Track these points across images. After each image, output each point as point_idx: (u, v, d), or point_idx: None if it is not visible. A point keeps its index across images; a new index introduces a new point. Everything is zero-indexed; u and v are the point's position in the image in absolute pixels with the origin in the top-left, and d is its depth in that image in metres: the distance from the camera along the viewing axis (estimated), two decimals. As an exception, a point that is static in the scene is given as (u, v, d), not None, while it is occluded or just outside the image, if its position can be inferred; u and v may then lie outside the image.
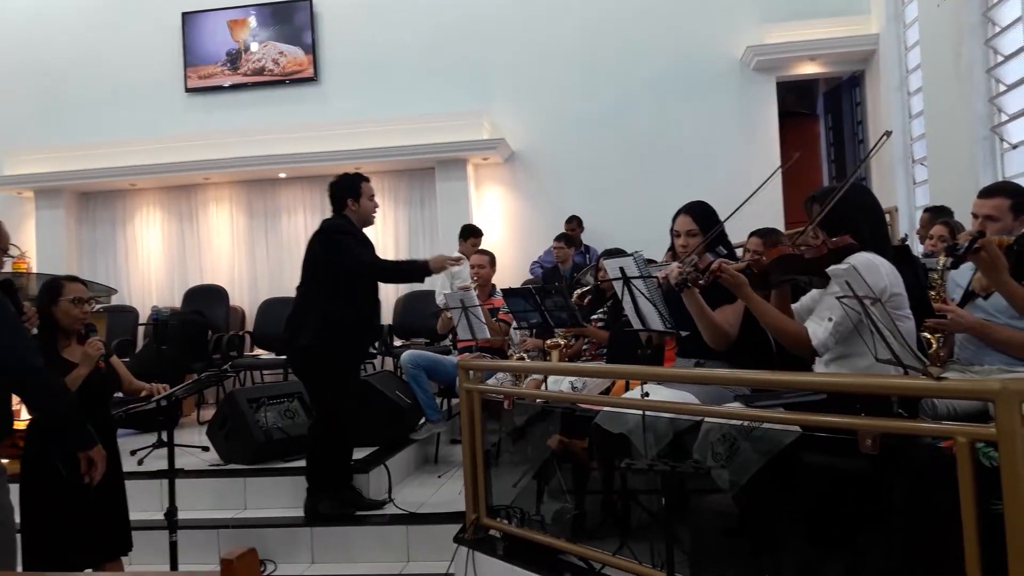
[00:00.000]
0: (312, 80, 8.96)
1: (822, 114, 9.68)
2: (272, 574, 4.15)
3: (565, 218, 7.96)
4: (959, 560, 1.75)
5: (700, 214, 3.27)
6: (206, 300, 8.15)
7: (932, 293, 2.77)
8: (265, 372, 7.53)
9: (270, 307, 7.88)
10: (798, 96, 9.65)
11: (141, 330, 8.01)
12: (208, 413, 5.99)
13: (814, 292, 2.81)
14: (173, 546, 3.42)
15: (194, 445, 5.26)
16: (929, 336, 2.74)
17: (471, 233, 7.04)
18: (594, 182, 8.32)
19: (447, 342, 6.12)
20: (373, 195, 4.40)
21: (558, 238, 7.49)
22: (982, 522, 1.74)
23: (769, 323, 2.73)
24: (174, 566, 3.43)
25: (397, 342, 7.71)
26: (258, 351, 7.91)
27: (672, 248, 3.47)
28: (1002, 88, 5.61)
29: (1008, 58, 5.48)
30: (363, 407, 4.68)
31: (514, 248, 8.47)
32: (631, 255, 3.12)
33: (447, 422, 5.51)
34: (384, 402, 5.15)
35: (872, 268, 2.53)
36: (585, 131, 8.41)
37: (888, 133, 2.96)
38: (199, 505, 4.52)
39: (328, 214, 4.42)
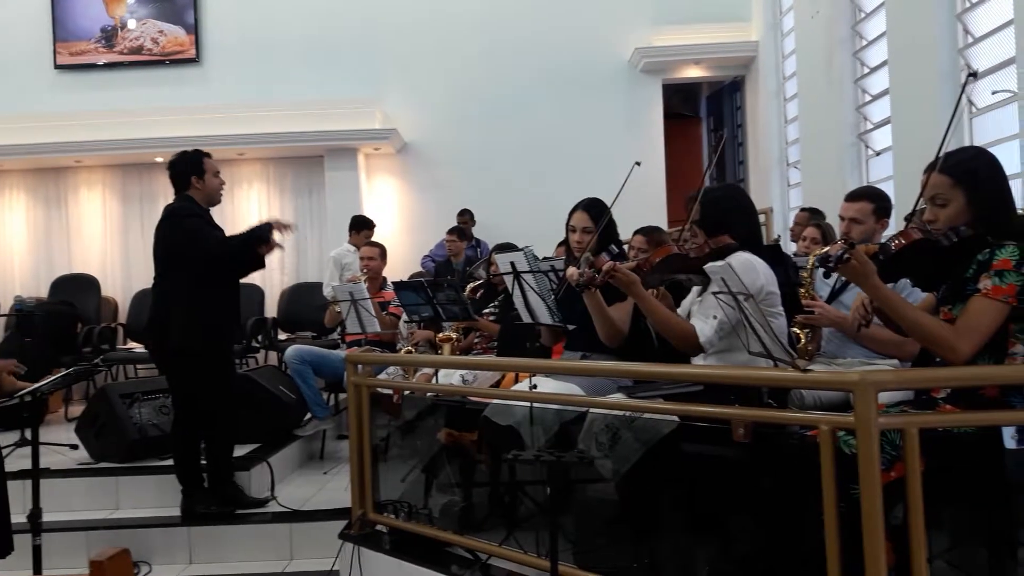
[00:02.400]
0: (194, 61, 8.59)
1: (705, 117, 10.06)
2: (147, 576, 3.98)
3: (457, 211, 7.96)
4: (820, 541, 1.87)
5: (596, 212, 3.35)
6: (76, 290, 7.71)
7: (801, 290, 2.94)
8: (140, 366, 7.19)
9: (145, 298, 7.50)
10: (682, 98, 9.99)
11: (2, 321, 7.49)
12: (77, 410, 5.67)
13: (695, 290, 2.93)
14: (37, 550, 3.22)
15: (62, 443, 4.98)
16: (798, 331, 2.90)
17: (363, 225, 6.93)
18: (487, 176, 8.35)
19: (335, 336, 6.00)
20: (218, 171, 4.15)
21: (451, 231, 7.49)
22: (842, 505, 1.86)
23: (659, 321, 2.82)
24: (38, 571, 3.24)
25: (282, 336, 7.52)
26: (132, 344, 7.54)
27: (566, 243, 3.54)
28: (868, 98, 5.99)
29: (874, 70, 5.85)
30: (244, 403, 4.53)
31: (406, 241, 8.41)
32: (522, 250, 3.17)
33: (334, 418, 5.42)
34: (267, 397, 5.01)
35: (750, 267, 2.66)
36: (478, 124, 8.43)
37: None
38: (67, 506, 4.28)
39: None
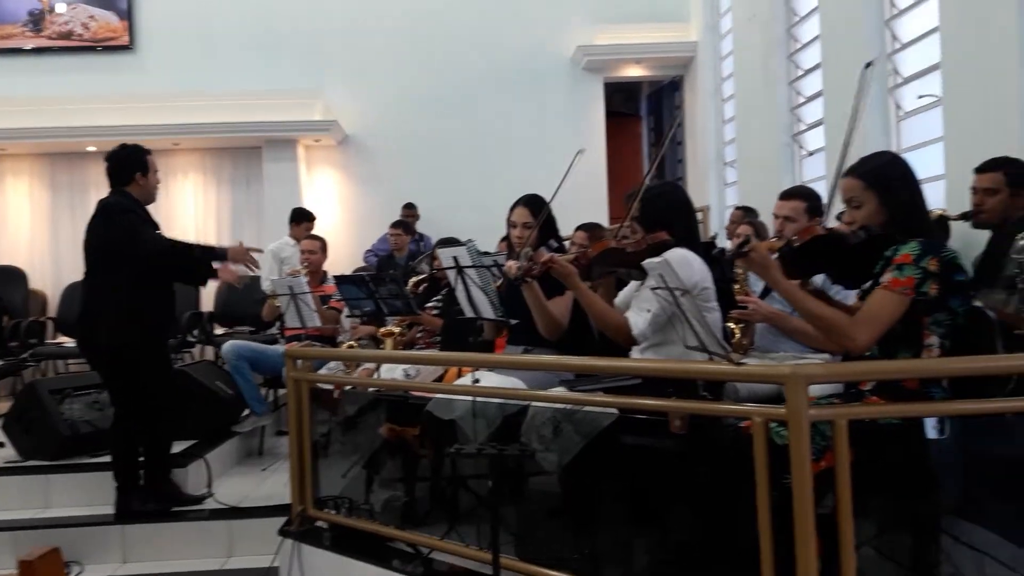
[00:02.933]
0: (127, 48, 8.35)
1: (645, 115, 10.20)
2: (78, 577, 3.87)
3: (400, 205, 7.92)
4: (754, 529, 1.93)
5: (536, 207, 3.38)
6: (2, 283, 7.42)
7: (736, 286, 3.02)
8: (70, 361, 6.96)
9: (76, 291, 7.27)
10: (623, 97, 10.11)
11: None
12: (4, 406, 5.47)
13: (633, 284, 2.99)
14: (-41, 552, 3.11)
15: (-14, 441, 4.80)
16: (733, 326, 2.98)
17: (303, 217, 6.83)
18: (429, 170, 8.32)
19: (273, 331, 5.91)
20: (157, 169, 4.04)
21: (395, 225, 7.43)
22: (774, 494, 1.93)
23: (595, 313, 2.88)
24: (-39, 574, 3.13)
25: (218, 330, 7.37)
26: (62, 338, 7.30)
27: (507, 238, 3.57)
28: (802, 99, 6.16)
29: (807, 72, 6.03)
30: (180, 398, 4.44)
31: (347, 234, 8.32)
32: (465, 244, 3.19)
33: (272, 414, 5.35)
34: (204, 393, 4.91)
35: (686, 263, 2.72)
36: (422, 118, 8.39)
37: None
38: (-7, 506, 4.14)
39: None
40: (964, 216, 3.30)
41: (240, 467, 5.03)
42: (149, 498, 4.05)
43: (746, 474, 1.96)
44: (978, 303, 2.55)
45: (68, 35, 8.30)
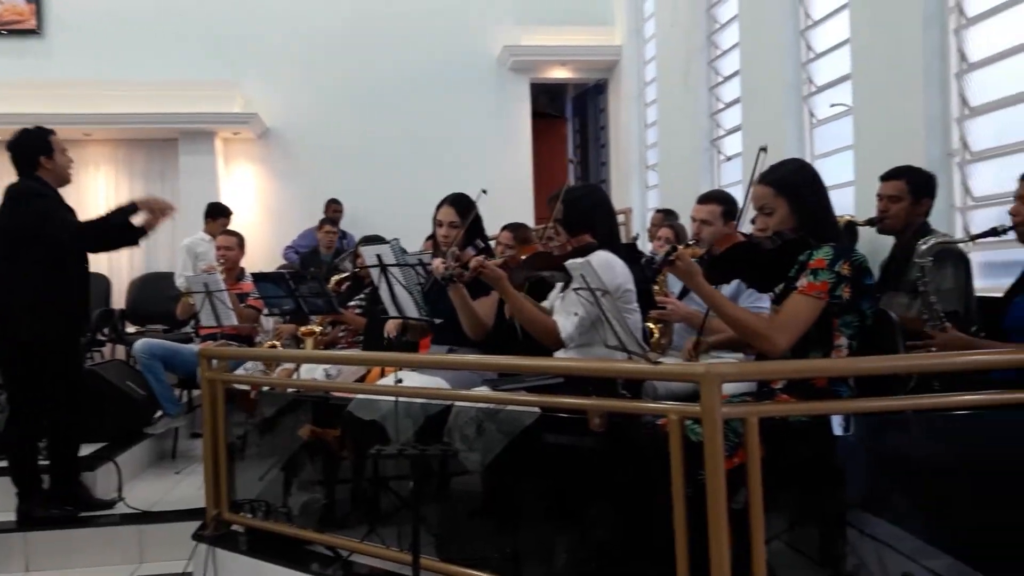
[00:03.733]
0: (34, 33, 7.99)
1: (570, 117, 10.31)
2: (-26, 588, 3.68)
3: (322, 201, 7.79)
4: (670, 523, 1.97)
5: (462, 206, 3.37)
6: None
7: (655, 288, 3.08)
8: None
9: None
10: (549, 98, 10.20)
11: None
12: None
13: (559, 287, 3.01)
14: None
15: None
16: (652, 326, 3.04)
17: (219, 212, 6.65)
18: (353, 166, 8.21)
19: (188, 329, 5.74)
20: (65, 148, 3.86)
21: (328, 223, 7.30)
22: (689, 490, 1.97)
23: (524, 317, 2.89)
24: None
25: (130, 329, 7.11)
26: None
27: (433, 237, 3.55)
28: (721, 105, 6.33)
29: (727, 79, 6.19)
30: (89, 399, 4.26)
31: (266, 231, 8.15)
32: (389, 243, 3.15)
33: (187, 415, 5.19)
34: (114, 393, 4.74)
35: (608, 266, 2.76)
36: (346, 113, 8.28)
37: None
38: None
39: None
40: (870, 222, 3.44)
41: (152, 470, 4.87)
42: (54, 503, 3.87)
43: (663, 471, 2.00)
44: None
45: (-31, 17, 7.88)
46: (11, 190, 3.76)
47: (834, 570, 2.29)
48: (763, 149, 2.56)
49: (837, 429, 2.19)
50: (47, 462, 3.94)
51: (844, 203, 4.09)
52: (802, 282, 2.28)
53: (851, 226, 3.62)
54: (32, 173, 3.77)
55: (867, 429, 2.25)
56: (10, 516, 3.87)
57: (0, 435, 4.04)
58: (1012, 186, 2.60)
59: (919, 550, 2.26)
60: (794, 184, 2.40)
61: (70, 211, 3.83)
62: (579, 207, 3.00)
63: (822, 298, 2.24)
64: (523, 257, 2.91)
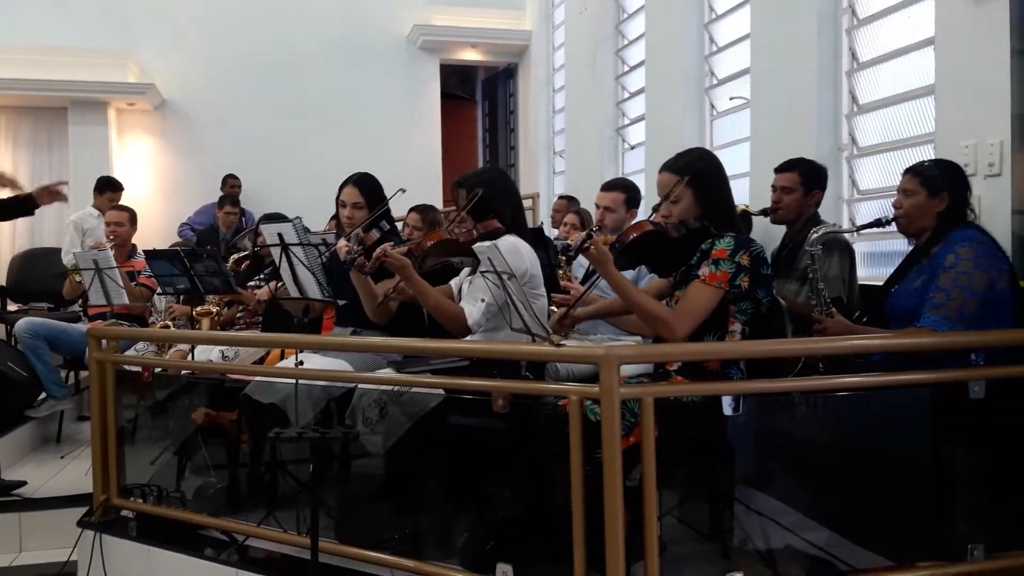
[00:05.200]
0: (-95, -12, 7.39)
1: (480, 100, 10.29)
2: None
3: (220, 177, 7.53)
4: (568, 501, 2.02)
5: (367, 187, 3.31)
6: None
7: (560, 272, 3.12)
8: None
9: None
10: (459, 80, 10.15)
11: None
12: None
13: (465, 272, 3.01)
14: None
15: None
16: (555, 309, 3.08)
17: (107, 186, 6.33)
18: (255, 142, 7.97)
19: (75, 308, 5.47)
20: None
21: (229, 202, 7.03)
22: (587, 468, 2.02)
23: (430, 303, 2.87)
24: None
25: (12, 307, 6.71)
26: None
27: (336, 216, 3.48)
28: (626, 95, 6.44)
29: (632, 68, 6.30)
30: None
31: (161, 206, 7.83)
32: (291, 221, 3.08)
33: (73, 398, 4.95)
34: (-9, 374, 4.47)
35: (516, 251, 2.77)
36: (248, 87, 8.02)
37: (402, 190, 3.16)
38: None
39: None
40: (764, 212, 3.57)
41: (35, 454, 4.63)
42: None
43: (563, 450, 2.04)
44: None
45: None
46: None
47: (722, 543, 2.39)
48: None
49: (728, 409, 2.28)
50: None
51: (740, 193, 4.23)
52: (704, 271, 2.35)
53: (746, 215, 3.75)
54: None
55: (756, 410, 2.35)
56: None
57: None
58: (896, 180, 2.75)
59: (800, 523, 2.39)
60: (699, 173, 2.47)
61: None
62: (485, 193, 2.97)
63: (722, 287, 2.33)
64: (429, 243, 2.89)
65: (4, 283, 6.91)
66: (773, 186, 3.46)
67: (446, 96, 8.94)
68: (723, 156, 4.73)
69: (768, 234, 3.68)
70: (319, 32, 8.18)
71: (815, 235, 2.89)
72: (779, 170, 3.47)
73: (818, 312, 2.74)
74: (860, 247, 3.60)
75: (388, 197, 3.20)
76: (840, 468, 2.43)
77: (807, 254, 2.95)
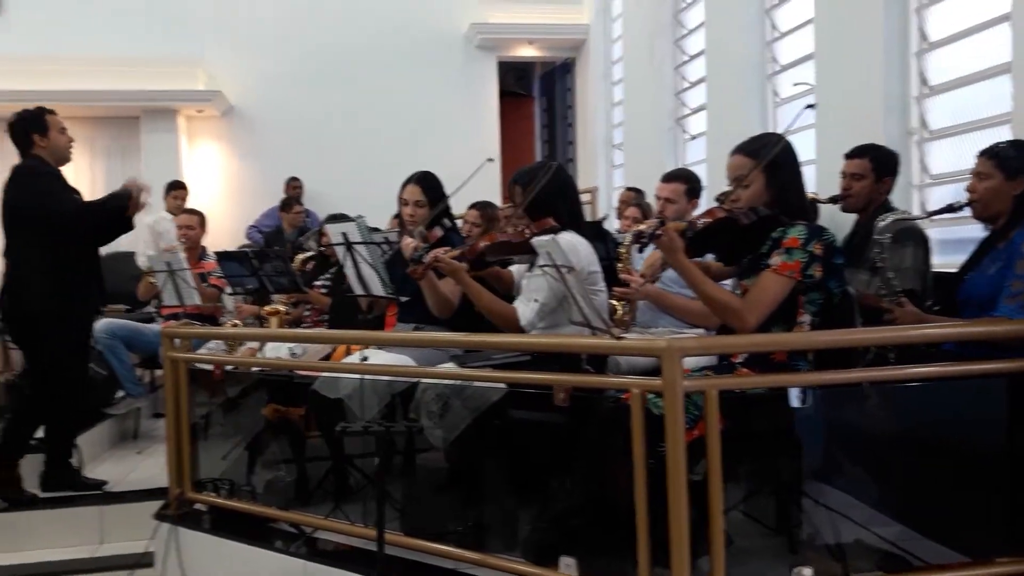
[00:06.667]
0: (-9, 7, 7.75)
1: (538, 96, 10.28)
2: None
3: (283, 179, 7.70)
4: (631, 495, 2.00)
5: (428, 185, 3.34)
6: None
7: (620, 265, 3.09)
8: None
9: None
10: (516, 77, 10.15)
11: None
12: None
13: (520, 268, 3.00)
14: None
15: None
16: (615, 303, 3.06)
17: (173, 186, 6.56)
18: (318, 145, 8.13)
19: (150, 309, 5.66)
20: (64, 128, 3.89)
21: (294, 203, 7.21)
22: (651, 461, 2.00)
23: (483, 305, 2.89)
24: None
25: (92, 308, 6.98)
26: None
27: (398, 215, 3.52)
28: (686, 85, 6.35)
29: (692, 58, 6.21)
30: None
31: (230, 209, 8.04)
32: (354, 220, 3.13)
33: (149, 395, 5.14)
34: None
35: (572, 249, 2.76)
36: (310, 91, 8.18)
37: (490, 159, 3.17)
38: None
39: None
40: (833, 200, 3.48)
41: (114, 450, 4.81)
42: (51, 483, 3.87)
43: (625, 443, 2.02)
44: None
45: (-79, -11, 7.63)
46: (13, 169, 3.80)
47: (789, 538, 2.34)
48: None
49: (795, 401, 2.23)
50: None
51: (806, 181, 4.13)
52: (775, 260, 2.28)
53: (813, 203, 3.65)
54: (29, 152, 3.79)
55: (824, 401, 2.30)
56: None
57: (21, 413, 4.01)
58: (969, 164, 2.65)
59: (871, 518, 2.32)
60: (774, 157, 2.40)
61: (71, 190, 3.86)
62: (540, 191, 2.94)
63: (794, 277, 2.26)
64: (482, 245, 2.88)
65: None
66: (843, 173, 3.36)
67: (503, 93, 8.95)
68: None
69: (835, 222, 3.59)
70: (377, 34, 8.29)
71: (883, 224, 2.81)
72: (849, 156, 3.37)
73: (888, 302, 2.65)
74: (932, 233, 3.47)
75: (475, 170, 3.17)
76: (912, 461, 2.35)
77: (876, 243, 2.86)
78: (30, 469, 3.92)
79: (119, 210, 3.78)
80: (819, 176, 4.19)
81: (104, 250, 7.69)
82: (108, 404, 4.88)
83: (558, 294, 2.73)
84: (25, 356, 4.04)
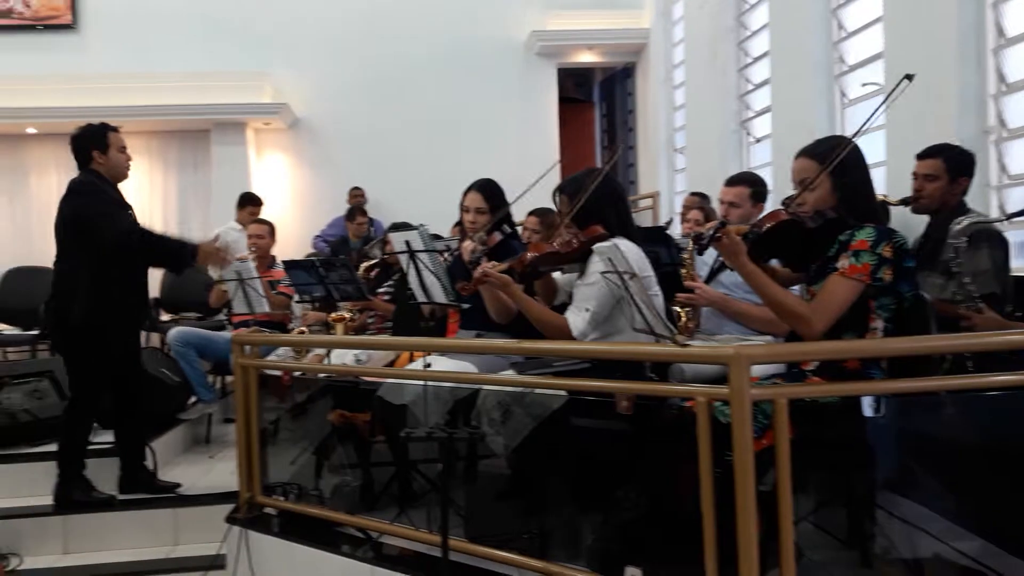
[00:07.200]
0: (70, 27, 8.10)
1: (597, 102, 10.24)
2: (18, 568, 3.77)
3: (347, 188, 7.84)
4: (697, 504, 1.97)
5: (489, 192, 3.36)
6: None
7: (683, 270, 3.05)
8: (9, 349, 6.75)
9: (16, 277, 7.04)
10: (576, 83, 10.14)
11: None
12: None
13: (570, 277, 2.98)
14: None
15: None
16: (679, 309, 3.02)
17: (248, 201, 6.72)
18: (380, 153, 8.25)
19: (221, 317, 5.82)
20: (124, 146, 3.97)
21: (358, 212, 7.34)
22: (717, 471, 1.96)
23: (533, 317, 2.87)
24: None
25: (164, 317, 7.21)
26: (1, 326, 7.07)
27: (460, 223, 3.55)
28: (750, 87, 6.24)
29: (756, 60, 6.10)
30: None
31: (297, 219, 8.21)
32: (417, 228, 3.16)
33: (220, 401, 5.27)
34: (149, 380, 4.80)
35: (620, 256, 2.73)
36: (372, 101, 8.31)
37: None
38: (-75, 499, 4.01)
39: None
40: (904, 201, 3.37)
41: (187, 455, 4.95)
42: (91, 487, 3.96)
43: (690, 452, 1.99)
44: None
45: (8, 13, 8.01)
46: (71, 183, 3.91)
47: (862, 551, 2.27)
48: (908, 77, 2.36)
49: (868, 411, 2.16)
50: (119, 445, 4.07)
51: (876, 182, 4.02)
52: (843, 263, 2.22)
53: (883, 205, 3.55)
54: (88, 167, 3.89)
55: (899, 410, 2.22)
56: (50, 500, 3.96)
57: (44, 423, 4.16)
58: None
59: (949, 531, 2.23)
60: (841, 160, 2.33)
61: (126, 207, 3.95)
62: (587, 199, 2.90)
63: (863, 280, 2.19)
64: (530, 257, 2.87)
65: (158, 295, 7.44)
66: (915, 174, 3.26)
67: (563, 99, 8.94)
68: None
69: (907, 225, 3.48)
70: (438, 44, 8.38)
71: (958, 227, 2.71)
72: (922, 156, 3.26)
73: (965, 308, 2.55)
74: (1012, 236, 3.34)
75: (542, 174, 3.17)
76: (993, 473, 2.25)
77: (950, 247, 2.76)
78: (108, 473, 4.07)
79: (175, 258, 3.93)
80: (889, 177, 4.07)
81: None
82: (182, 409, 5.02)
83: (609, 302, 2.70)
84: (65, 365, 4.11)
